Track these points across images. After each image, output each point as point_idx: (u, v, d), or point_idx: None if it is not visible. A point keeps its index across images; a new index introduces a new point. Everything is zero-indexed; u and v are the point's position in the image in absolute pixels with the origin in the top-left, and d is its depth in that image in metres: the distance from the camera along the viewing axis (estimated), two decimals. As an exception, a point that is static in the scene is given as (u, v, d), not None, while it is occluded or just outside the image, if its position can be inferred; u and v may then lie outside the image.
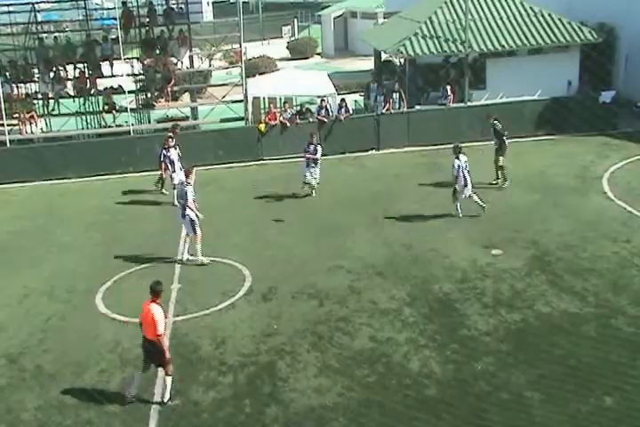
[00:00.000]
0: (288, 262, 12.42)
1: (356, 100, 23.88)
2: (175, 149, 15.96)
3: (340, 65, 35.02)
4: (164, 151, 15.85)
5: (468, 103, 20.36)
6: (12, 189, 17.86)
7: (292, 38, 44.42)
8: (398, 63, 24.06)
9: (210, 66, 29.81)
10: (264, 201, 16.03)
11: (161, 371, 8.64)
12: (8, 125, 18.94)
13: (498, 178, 15.73)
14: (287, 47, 40.64)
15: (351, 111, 20.24)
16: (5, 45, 22.13)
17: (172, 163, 15.75)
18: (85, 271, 12.40)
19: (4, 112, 18.74)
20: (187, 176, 12.61)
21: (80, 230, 14.67)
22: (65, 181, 18.10)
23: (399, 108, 19.92)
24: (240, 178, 17.93)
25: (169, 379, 8.45)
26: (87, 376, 9.08)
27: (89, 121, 21.18)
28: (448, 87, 20.36)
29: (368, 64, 27.95)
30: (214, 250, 12.85)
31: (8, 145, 18.71)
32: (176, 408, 8.39)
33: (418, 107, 20.36)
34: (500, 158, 15.57)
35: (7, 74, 20.85)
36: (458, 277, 11.39)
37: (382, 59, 24.92)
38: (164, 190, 16.65)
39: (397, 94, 20.02)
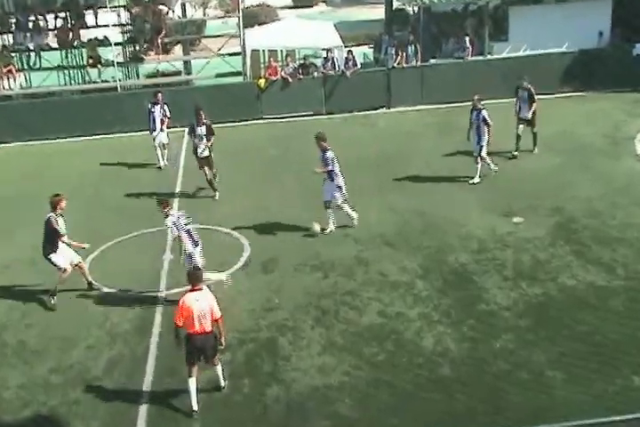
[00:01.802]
0: (288, 230, 12.26)
1: (364, 53, 23.42)
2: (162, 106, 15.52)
3: (348, 14, 34.30)
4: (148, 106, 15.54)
5: (488, 56, 19.89)
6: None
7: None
8: (412, 12, 23.47)
9: (204, 15, 29.31)
10: (264, 163, 15.81)
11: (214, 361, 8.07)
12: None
13: (517, 149, 14.94)
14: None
15: (359, 65, 19.86)
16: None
17: (153, 121, 15.43)
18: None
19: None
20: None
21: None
22: (46, 142, 17.84)
23: (412, 61, 19.48)
24: (238, 138, 17.65)
25: (220, 366, 8.19)
26: (75, 353, 9.03)
27: (72, 76, 20.87)
28: (466, 38, 19.87)
29: (378, 13, 27.27)
30: (210, 217, 12.70)
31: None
32: (169, 388, 8.35)
33: (433, 60, 19.92)
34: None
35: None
36: (475, 247, 11.23)
37: (394, 7, 24.30)
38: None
39: (411, 47, 19.57)
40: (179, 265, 11.10)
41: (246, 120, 18.77)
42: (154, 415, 7.89)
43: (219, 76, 20.37)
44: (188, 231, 9.80)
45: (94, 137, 17.96)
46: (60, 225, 10.10)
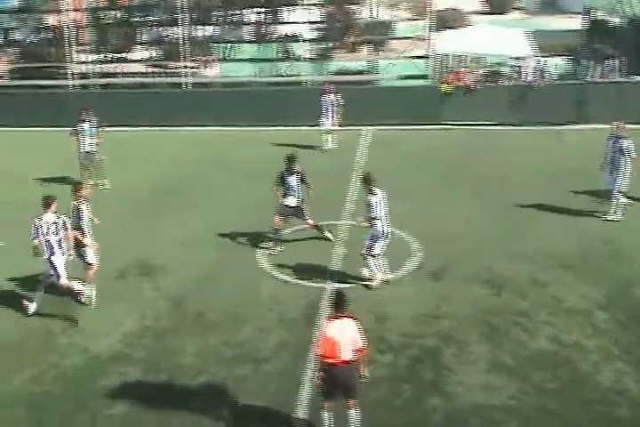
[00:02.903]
0: (462, 240, 12.03)
1: (557, 65, 22.37)
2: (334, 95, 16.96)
3: (543, 22, 32.93)
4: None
5: None
6: (184, 133, 18.98)
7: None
8: (615, 23, 22.10)
9: (394, 16, 29.39)
10: (440, 169, 15.65)
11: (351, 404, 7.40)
12: (186, 68, 20.06)
13: None
14: (482, 0, 38.96)
15: (551, 77, 19.01)
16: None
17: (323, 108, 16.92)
18: (248, 224, 12.84)
19: (183, 55, 19.85)
20: None
21: (242, 180, 15.26)
22: (234, 128, 18.80)
23: (612, 76, 18.34)
24: (416, 141, 17.63)
25: (356, 411, 7.40)
26: (246, 331, 9.45)
27: (264, 69, 21.88)
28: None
29: (576, 23, 25.99)
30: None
31: (185, 88, 19.84)
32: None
33: (639, 78, 18.58)
34: None
35: (189, 16, 21.94)
36: (668, 282, 10.35)
37: (595, 18, 23.04)
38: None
39: (611, 61, 18.44)
40: (349, 260, 11.36)
41: (427, 124, 18.64)
42: (314, 403, 8.04)
43: (403, 77, 20.41)
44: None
45: (278, 128, 18.67)
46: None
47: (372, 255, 10.39)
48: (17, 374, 8.66)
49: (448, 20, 30.44)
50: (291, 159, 11.69)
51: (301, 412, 7.91)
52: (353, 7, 22.48)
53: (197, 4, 22.50)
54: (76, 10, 22.71)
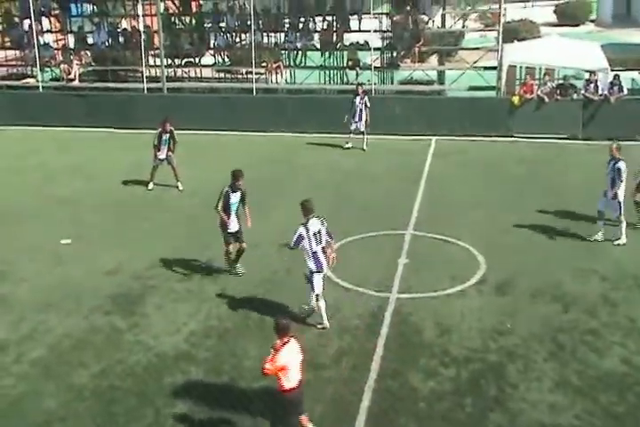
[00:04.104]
0: (529, 254, 11.86)
1: (633, 79, 21.82)
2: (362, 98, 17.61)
3: (618, 36, 32.21)
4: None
5: None
6: (252, 137, 19.27)
7: (562, 1, 41.68)
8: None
9: (463, 27, 29.28)
10: (507, 181, 15.47)
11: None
12: (256, 74, 20.41)
13: None
14: (555, 11, 38.32)
15: (626, 91, 18.54)
16: (261, -7, 23.63)
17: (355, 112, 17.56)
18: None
19: (252, 61, 20.21)
20: None
21: (310, 186, 15.39)
22: (301, 134, 18.95)
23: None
24: (484, 153, 17.49)
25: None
26: (307, 337, 9.49)
27: (331, 76, 22.06)
28: None
29: (653, 37, 25.35)
30: (446, 228, 12.70)
31: (254, 93, 20.19)
32: (390, 389, 8.47)
33: None
34: None
35: (259, 22, 22.36)
36: None
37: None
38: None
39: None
40: (413, 270, 11.33)
41: (495, 136, 18.45)
42: (373, 412, 8.03)
43: (472, 88, 20.26)
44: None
45: (346, 135, 18.79)
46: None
47: (314, 294, 9.60)
48: (85, 368, 8.93)
49: (519, 32, 30.14)
50: (235, 175, 10.76)
51: (361, 421, 7.91)
52: (422, 17, 22.48)
53: (267, 11, 22.90)
54: (149, 15, 23.44)
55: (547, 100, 18.32)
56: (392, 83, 22.23)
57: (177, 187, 15.24)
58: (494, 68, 20.12)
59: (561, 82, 19.45)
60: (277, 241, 12.48)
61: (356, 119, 17.72)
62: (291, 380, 7.08)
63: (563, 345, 9.23)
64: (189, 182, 15.38)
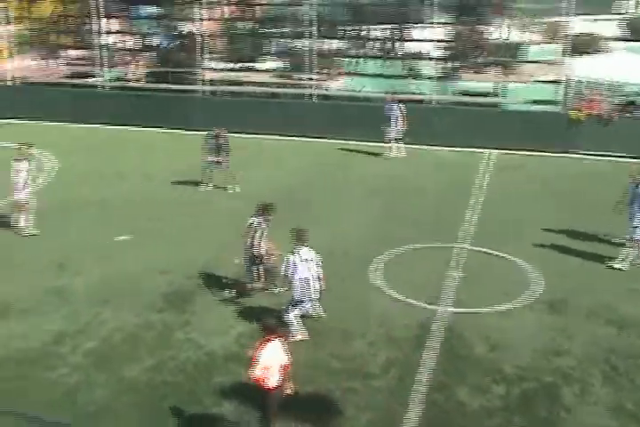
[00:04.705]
0: (584, 273, 11.71)
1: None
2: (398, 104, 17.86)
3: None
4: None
5: None
6: (308, 143, 19.43)
7: (632, 14, 40.57)
8: None
9: (525, 39, 28.89)
10: (565, 198, 15.24)
11: None
12: (314, 80, 20.60)
13: None
14: (622, 25, 37.45)
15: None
16: (323, -1, 23.79)
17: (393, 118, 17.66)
18: (363, 239, 13.01)
19: (309, 67, 20.41)
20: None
21: (363, 194, 15.47)
22: (358, 142, 18.97)
23: None
24: (542, 168, 17.30)
25: None
26: (355, 346, 9.57)
27: (388, 85, 22.07)
28: None
29: None
30: (500, 244, 12.59)
31: (312, 100, 20.38)
32: (436, 402, 8.45)
33: None
34: None
35: (319, 29, 22.54)
36: None
37: None
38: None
39: None
40: (464, 284, 11.28)
41: (554, 152, 18.20)
42: (419, 424, 8.03)
43: (531, 102, 20.02)
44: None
45: (402, 145, 18.82)
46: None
47: (291, 315, 9.51)
48: (138, 362, 9.17)
49: (583, 45, 29.60)
50: (266, 209, 10.60)
51: (408, 432, 7.94)
52: (483, 27, 22.33)
53: (326, 17, 23.09)
54: (210, 19, 23.89)
55: (612, 117, 18.00)
56: (449, 93, 22.12)
57: (229, 189, 15.49)
58: (556, 81, 19.85)
59: (628, 99, 19.07)
60: (328, 248, 12.57)
61: (392, 127, 17.87)
62: (272, 379, 7.29)
63: (618, 369, 9.07)
64: (243, 186, 15.61)
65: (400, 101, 17.99)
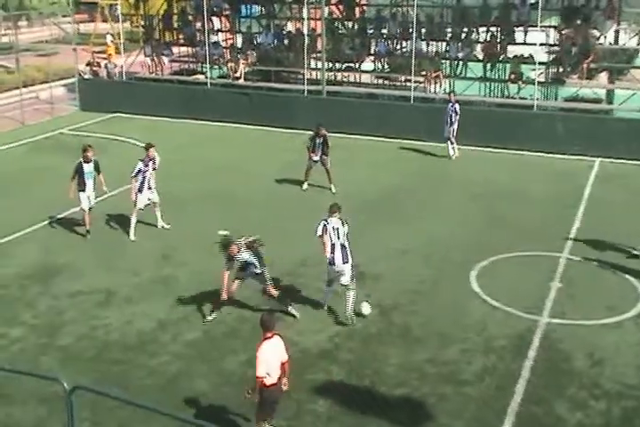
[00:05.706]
0: (697, 292, 11.16)
1: None
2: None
3: None
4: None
5: None
6: (407, 145, 19.29)
7: None
8: None
9: (638, 44, 27.73)
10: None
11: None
12: (414, 82, 20.55)
13: None
14: None
15: None
16: (426, 1, 23.69)
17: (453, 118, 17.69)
18: (462, 243, 12.91)
19: (412, 68, 20.36)
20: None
21: (462, 199, 15.31)
22: (459, 146, 18.63)
23: None
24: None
25: None
26: (451, 352, 9.53)
27: (492, 88, 21.75)
28: None
29: None
30: (605, 255, 12.23)
31: (412, 102, 20.34)
32: (533, 415, 8.31)
33: None
34: None
35: (421, 30, 22.46)
36: None
37: None
38: None
39: None
40: (566, 295, 11.01)
41: (664, 163, 17.46)
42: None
43: (645, 110, 19.25)
44: None
45: (502, 150, 18.48)
46: None
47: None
48: (234, 356, 9.48)
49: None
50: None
51: (502, 443, 7.86)
52: (593, 31, 21.60)
53: (430, 19, 22.95)
54: (314, 19, 24.26)
55: None
56: (556, 99, 21.53)
57: (330, 189, 15.70)
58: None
59: None
60: (424, 251, 12.60)
61: (448, 126, 17.75)
62: (271, 376, 7.31)
63: None
64: (342, 185, 15.75)
65: (457, 102, 17.83)
